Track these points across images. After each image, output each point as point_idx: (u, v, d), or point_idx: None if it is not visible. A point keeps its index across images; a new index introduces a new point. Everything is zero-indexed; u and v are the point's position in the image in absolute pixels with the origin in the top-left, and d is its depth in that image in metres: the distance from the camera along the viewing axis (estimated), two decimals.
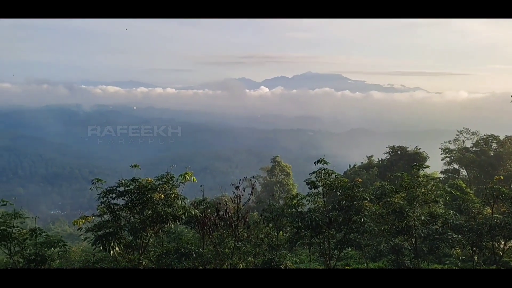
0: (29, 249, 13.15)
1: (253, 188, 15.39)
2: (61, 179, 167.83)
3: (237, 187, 14.06)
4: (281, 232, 17.03)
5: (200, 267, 13.56)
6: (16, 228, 12.82)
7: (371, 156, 51.06)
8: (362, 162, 51.15)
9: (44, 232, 13.54)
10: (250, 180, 16.15)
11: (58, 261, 15.34)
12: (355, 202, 13.47)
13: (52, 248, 13.56)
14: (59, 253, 14.26)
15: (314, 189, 14.16)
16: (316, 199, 14.28)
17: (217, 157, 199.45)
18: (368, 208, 13.59)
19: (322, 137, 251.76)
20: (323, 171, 14.02)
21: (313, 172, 14.23)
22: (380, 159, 49.39)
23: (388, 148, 47.30)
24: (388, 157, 47.34)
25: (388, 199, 14.47)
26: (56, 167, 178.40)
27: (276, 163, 58.13)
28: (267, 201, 19.29)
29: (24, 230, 13.13)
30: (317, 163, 14.10)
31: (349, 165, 51.97)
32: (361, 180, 14.70)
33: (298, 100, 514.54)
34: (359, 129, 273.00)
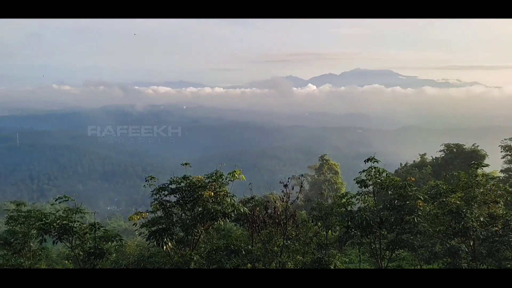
0: (88, 242, 13.90)
1: (301, 186, 15.35)
2: (116, 176, 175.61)
3: (285, 186, 14.06)
4: (330, 231, 16.84)
5: (249, 265, 13.70)
6: (77, 223, 13.59)
7: (424, 154, 49.08)
8: (414, 161, 49.32)
9: (103, 226, 14.24)
10: (299, 178, 16.09)
11: (114, 254, 16.10)
12: (407, 202, 13.03)
13: (110, 242, 14.25)
14: (116, 247, 14.96)
15: (364, 188, 13.85)
16: (366, 198, 13.97)
17: (265, 155, 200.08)
18: (422, 208, 13.09)
19: (371, 135, 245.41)
20: (373, 170, 13.68)
21: (363, 171, 13.91)
22: (434, 157, 47.36)
23: (443, 146, 45.22)
24: (443, 155, 45.27)
25: (444, 199, 13.86)
26: (112, 165, 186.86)
27: (324, 161, 57.39)
28: (316, 200, 19.10)
29: (84, 225, 13.89)
30: (367, 162, 13.77)
31: (400, 164, 50.29)
32: (414, 179, 14.18)
33: (346, 97, 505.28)
34: (411, 126, 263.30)
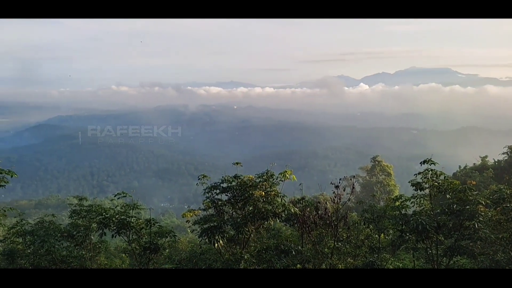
0: (144, 237, 14.47)
1: (353, 188, 15.01)
2: (170, 174, 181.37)
3: (336, 186, 13.83)
4: (382, 234, 16.36)
5: (299, 265, 13.64)
6: (133, 218, 14.20)
7: (485, 156, 46.28)
8: (474, 163, 46.68)
9: (157, 223, 14.76)
10: (350, 179, 15.77)
11: (167, 250, 16.62)
12: (467, 207, 12.38)
13: (164, 238, 14.75)
14: (169, 243, 15.45)
15: (420, 191, 13.32)
16: (422, 202, 13.43)
17: (315, 155, 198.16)
18: (483, 213, 12.39)
19: (427, 135, 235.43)
20: (430, 172, 13.12)
21: (419, 173, 13.38)
22: (496, 160, 44.61)
23: (506, 148, 42.46)
24: (506, 158, 42.50)
25: (508, 205, 13.03)
26: (165, 163, 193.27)
27: (377, 162, 55.84)
28: (367, 202, 18.64)
29: (140, 220, 14.48)
30: (424, 163, 13.23)
31: (459, 166, 47.82)
32: (474, 182, 13.45)
33: (400, 97, 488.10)
34: (471, 127, 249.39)
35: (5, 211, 14.50)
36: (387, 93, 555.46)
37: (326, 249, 14.15)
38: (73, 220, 16.10)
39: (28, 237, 15.87)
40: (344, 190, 14.15)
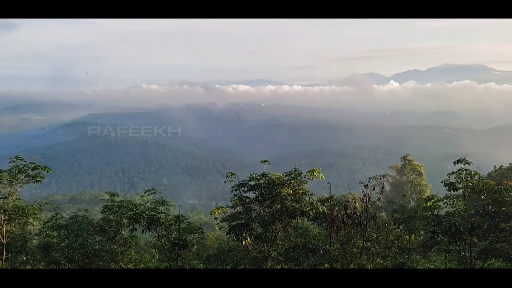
0: (173, 233, 14.69)
1: (382, 187, 14.72)
2: (198, 171, 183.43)
3: (366, 185, 13.60)
4: (413, 235, 16.01)
5: (326, 265, 13.53)
6: (163, 214, 14.44)
7: None
8: (510, 163, 44.99)
9: (186, 219, 14.96)
10: (380, 179, 15.49)
11: (195, 246, 16.82)
12: (503, 208, 11.94)
13: (192, 234, 14.93)
14: (197, 239, 15.64)
15: (453, 192, 12.94)
16: (455, 202, 13.04)
17: (343, 154, 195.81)
18: None
19: (461, 134, 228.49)
20: (464, 172, 12.72)
21: (452, 173, 13.00)
22: None
23: None
24: None
25: None
26: (194, 160, 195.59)
27: (407, 161, 54.60)
28: (397, 202, 18.28)
29: (169, 216, 14.71)
30: (457, 163, 12.84)
31: (494, 166, 46.22)
32: (510, 183, 12.95)
33: (432, 94, 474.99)
34: (507, 125, 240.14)
35: (41, 205, 15.02)
36: (418, 91, 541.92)
37: (354, 249, 13.97)
38: (105, 215, 16.55)
39: (63, 231, 16.42)
40: (373, 189, 13.91)
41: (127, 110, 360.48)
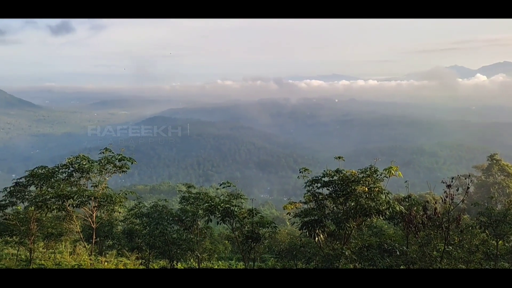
0: (247, 226, 15.00)
1: (467, 188, 13.76)
2: (270, 166, 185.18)
3: (448, 186, 12.78)
4: (501, 241, 14.77)
5: (403, 267, 12.96)
6: (236, 207, 14.80)
7: None
8: None
9: (259, 213, 15.19)
10: (465, 179, 14.48)
11: (267, 240, 17.02)
12: None
13: (265, 228, 15.14)
14: (269, 233, 15.81)
15: None
16: None
17: (421, 151, 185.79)
18: None
19: None
20: None
21: None
22: None
23: None
24: None
25: None
26: (266, 155, 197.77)
27: (495, 161, 50.33)
28: (483, 204, 16.95)
29: (243, 210, 15.04)
30: None
31: None
32: None
33: None
34: None
35: (126, 194, 16.14)
36: (509, 84, 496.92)
37: (434, 252, 13.21)
38: (183, 206, 17.36)
39: (145, 218, 17.52)
40: (457, 190, 13.04)
41: (203, 105, 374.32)
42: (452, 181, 13.06)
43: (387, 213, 12.76)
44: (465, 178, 14.58)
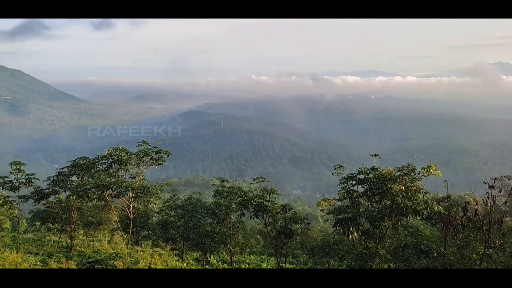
0: (279, 222, 14.99)
1: (511, 190, 13.14)
2: (303, 162, 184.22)
3: (490, 187, 12.27)
4: None
5: (439, 268, 12.58)
6: (269, 203, 14.80)
7: None
8: None
9: (292, 209, 15.14)
10: (508, 180, 13.86)
11: (299, 236, 16.97)
12: None
13: (297, 224, 15.08)
14: (302, 230, 15.74)
15: None
16: None
17: (461, 150, 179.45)
18: None
19: None
20: None
21: None
22: None
23: None
24: None
25: None
26: (299, 151, 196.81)
27: None
28: None
29: (276, 205, 15.03)
30: None
31: None
32: None
33: None
34: None
35: (162, 186, 16.50)
36: None
37: (474, 255, 12.74)
38: (216, 199, 17.56)
39: (179, 211, 17.86)
40: (500, 191, 12.50)
41: (237, 100, 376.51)
42: (494, 182, 12.54)
43: (425, 213, 12.39)
44: (509, 179, 13.89)
